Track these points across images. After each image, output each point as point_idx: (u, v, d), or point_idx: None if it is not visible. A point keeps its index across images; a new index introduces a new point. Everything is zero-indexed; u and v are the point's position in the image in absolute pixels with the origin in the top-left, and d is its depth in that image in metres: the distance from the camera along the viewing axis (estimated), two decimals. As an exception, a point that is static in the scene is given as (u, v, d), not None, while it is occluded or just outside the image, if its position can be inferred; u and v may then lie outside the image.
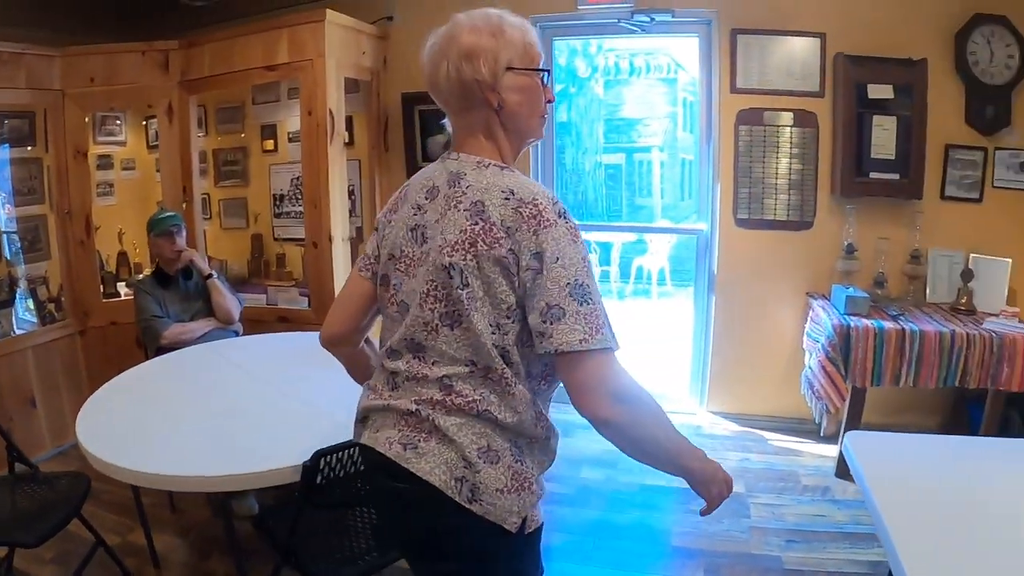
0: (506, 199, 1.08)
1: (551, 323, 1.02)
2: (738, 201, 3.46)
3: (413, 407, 1.13)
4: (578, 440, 3.11)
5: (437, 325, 1.11)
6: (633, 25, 3.44)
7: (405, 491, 1.11)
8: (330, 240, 3.30)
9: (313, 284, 3.44)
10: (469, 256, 1.07)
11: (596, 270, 6.45)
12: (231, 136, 3.98)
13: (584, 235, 1.11)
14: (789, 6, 3.30)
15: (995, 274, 3.19)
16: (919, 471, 1.57)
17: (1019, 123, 3.29)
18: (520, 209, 1.06)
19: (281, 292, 3.74)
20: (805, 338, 3.31)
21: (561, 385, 1.08)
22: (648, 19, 3.38)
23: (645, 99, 8.52)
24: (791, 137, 3.38)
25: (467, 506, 1.07)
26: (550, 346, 1.03)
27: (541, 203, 1.07)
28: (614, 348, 1.04)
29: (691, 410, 3.75)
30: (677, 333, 5.01)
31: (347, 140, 3.59)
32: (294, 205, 3.83)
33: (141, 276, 3.48)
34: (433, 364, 1.13)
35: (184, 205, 3.60)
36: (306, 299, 3.57)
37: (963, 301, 3.16)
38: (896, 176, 3.24)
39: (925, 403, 3.41)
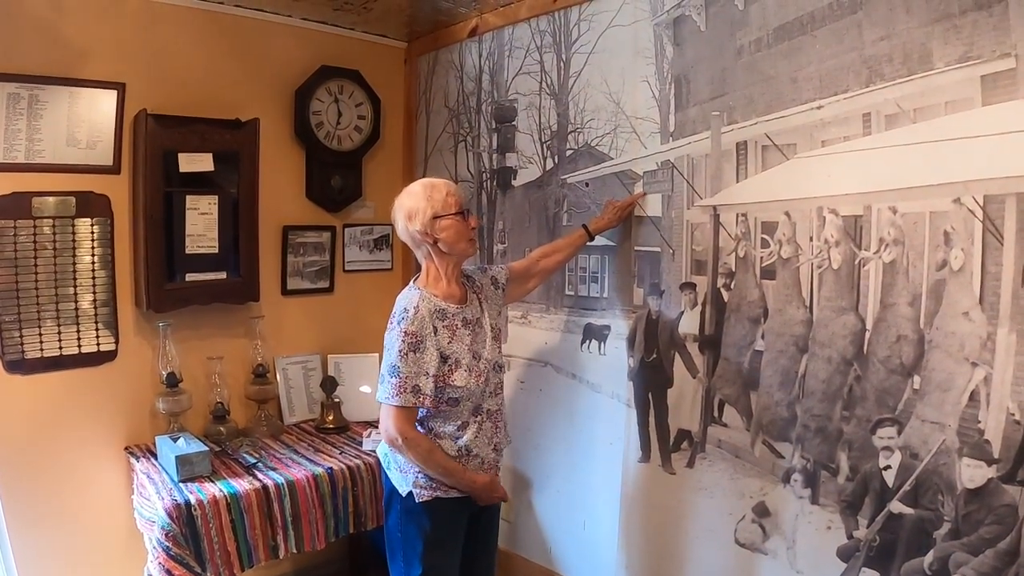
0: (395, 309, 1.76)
1: (380, 384, 1.73)
2: (3, 337, 2.21)
3: None
4: None
5: None
6: None
7: None
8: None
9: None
10: None
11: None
12: None
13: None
14: (79, 42, 2.22)
15: (364, 375, 2.69)
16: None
17: (371, 195, 2.89)
18: (392, 316, 1.75)
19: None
20: (137, 516, 2.25)
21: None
22: None
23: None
24: (75, 233, 2.29)
25: None
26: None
27: (396, 314, 1.71)
28: (394, 403, 1.68)
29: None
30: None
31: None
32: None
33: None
34: None
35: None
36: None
37: (330, 418, 2.57)
38: (223, 275, 2.45)
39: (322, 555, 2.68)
